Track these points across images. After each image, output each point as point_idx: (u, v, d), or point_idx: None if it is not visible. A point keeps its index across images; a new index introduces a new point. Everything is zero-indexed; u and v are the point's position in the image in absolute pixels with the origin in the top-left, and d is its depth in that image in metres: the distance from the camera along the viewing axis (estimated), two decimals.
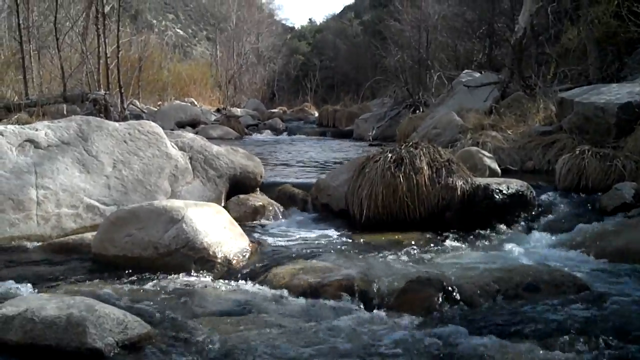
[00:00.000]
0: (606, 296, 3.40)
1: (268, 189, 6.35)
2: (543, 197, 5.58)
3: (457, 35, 18.96)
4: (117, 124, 5.73)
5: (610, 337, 2.79)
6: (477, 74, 14.00)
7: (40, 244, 4.67)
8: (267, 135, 18.02)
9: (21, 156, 5.04)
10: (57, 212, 4.90)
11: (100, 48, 14.82)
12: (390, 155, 5.31)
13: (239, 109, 22.98)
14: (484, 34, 16.68)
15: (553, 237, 4.82)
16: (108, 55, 14.97)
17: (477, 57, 17.55)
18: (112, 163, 5.34)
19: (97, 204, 5.08)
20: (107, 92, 14.18)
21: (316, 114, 23.47)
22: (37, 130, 5.26)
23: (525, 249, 4.54)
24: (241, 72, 30.26)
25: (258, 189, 6.26)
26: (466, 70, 14.85)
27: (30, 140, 5.15)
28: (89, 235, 4.63)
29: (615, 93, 7.43)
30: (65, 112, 13.26)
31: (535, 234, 4.94)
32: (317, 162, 9.82)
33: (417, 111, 14.46)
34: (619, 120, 6.84)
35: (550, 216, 5.31)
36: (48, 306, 2.84)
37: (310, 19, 63.32)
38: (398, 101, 16.07)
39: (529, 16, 11.87)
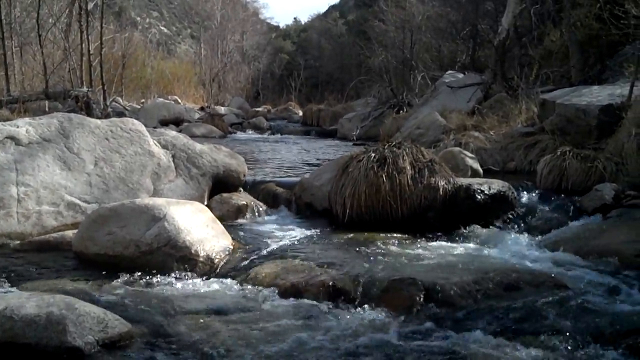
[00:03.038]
0: (585, 296, 3.43)
1: (251, 187, 6.35)
2: (524, 197, 5.63)
3: (441, 36, 19.03)
4: (99, 121, 5.70)
5: (589, 337, 2.83)
6: (461, 75, 14.06)
7: (20, 241, 4.63)
8: (251, 133, 17.98)
9: (2, 153, 4.99)
10: (38, 210, 4.86)
11: (83, 45, 14.69)
12: (373, 154, 5.33)
13: (223, 108, 22.92)
14: (468, 35, 16.76)
15: (534, 237, 4.87)
16: (91, 52, 14.84)
17: (460, 58, 17.63)
18: (94, 160, 5.31)
19: (78, 201, 5.04)
20: (90, 89, 14.05)
21: (300, 113, 23.46)
22: (18, 127, 5.22)
23: (506, 249, 4.58)
24: (225, 70, 30.17)
25: (241, 187, 6.25)
26: (450, 71, 14.92)
27: (11, 137, 5.11)
28: (69, 233, 4.60)
29: (596, 95, 7.50)
30: (47, 109, 13.14)
31: (516, 234, 4.98)
32: (300, 161, 9.81)
33: (401, 111, 14.50)
34: (600, 122, 6.90)
35: (531, 216, 5.35)
36: (28, 304, 2.82)
37: (295, 18, 63.13)
38: (382, 101, 16.09)
39: (512, 18, 11.95)
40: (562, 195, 5.76)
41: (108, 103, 14.91)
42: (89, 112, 12.33)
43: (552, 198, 5.70)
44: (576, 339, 2.81)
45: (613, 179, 5.77)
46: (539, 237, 4.87)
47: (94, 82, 14.77)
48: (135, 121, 5.91)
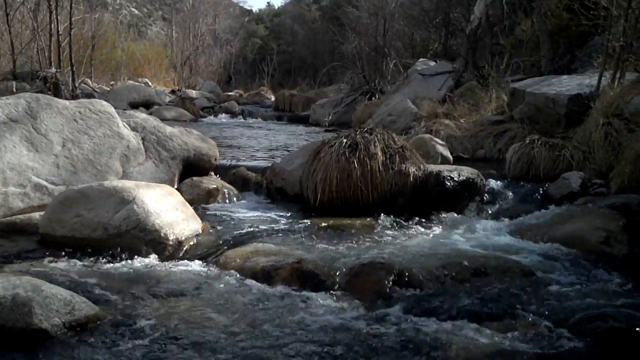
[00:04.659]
0: (550, 282, 3.50)
1: (222, 171, 6.32)
2: (493, 184, 5.69)
3: (414, 23, 19.05)
4: (67, 102, 5.60)
5: (553, 322, 2.87)
6: (433, 63, 14.13)
7: None
8: (222, 118, 17.84)
9: None
10: (4, 191, 4.77)
11: (52, 25, 14.41)
12: (345, 140, 5.34)
13: (194, 91, 22.63)
14: (440, 23, 16.80)
15: (501, 224, 4.92)
16: (60, 33, 14.55)
17: (432, 46, 17.69)
18: (62, 142, 5.23)
19: (45, 183, 4.97)
20: (58, 70, 13.81)
21: (273, 98, 23.34)
22: None
23: (475, 235, 4.63)
24: (197, 53, 29.78)
25: (212, 171, 6.22)
26: (422, 59, 14.98)
27: None
28: (36, 215, 4.54)
29: (565, 84, 7.60)
30: (14, 90, 12.88)
31: (485, 221, 5.03)
32: (272, 146, 9.78)
33: (373, 98, 14.52)
34: (569, 111, 7.00)
35: (499, 203, 5.42)
36: None
37: (268, 3, 62.77)
38: (354, 88, 16.08)
39: (484, 7, 12.01)
40: (530, 183, 5.84)
41: (77, 84, 14.65)
42: (57, 93, 12.12)
43: (521, 186, 5.78)
44: (541, 324, 2.86)
45: (580, 168, 5.86)
46: (507, 223, 4.93)
47: (63, 63, 14.51)
48: (104, 103, 5.82)
